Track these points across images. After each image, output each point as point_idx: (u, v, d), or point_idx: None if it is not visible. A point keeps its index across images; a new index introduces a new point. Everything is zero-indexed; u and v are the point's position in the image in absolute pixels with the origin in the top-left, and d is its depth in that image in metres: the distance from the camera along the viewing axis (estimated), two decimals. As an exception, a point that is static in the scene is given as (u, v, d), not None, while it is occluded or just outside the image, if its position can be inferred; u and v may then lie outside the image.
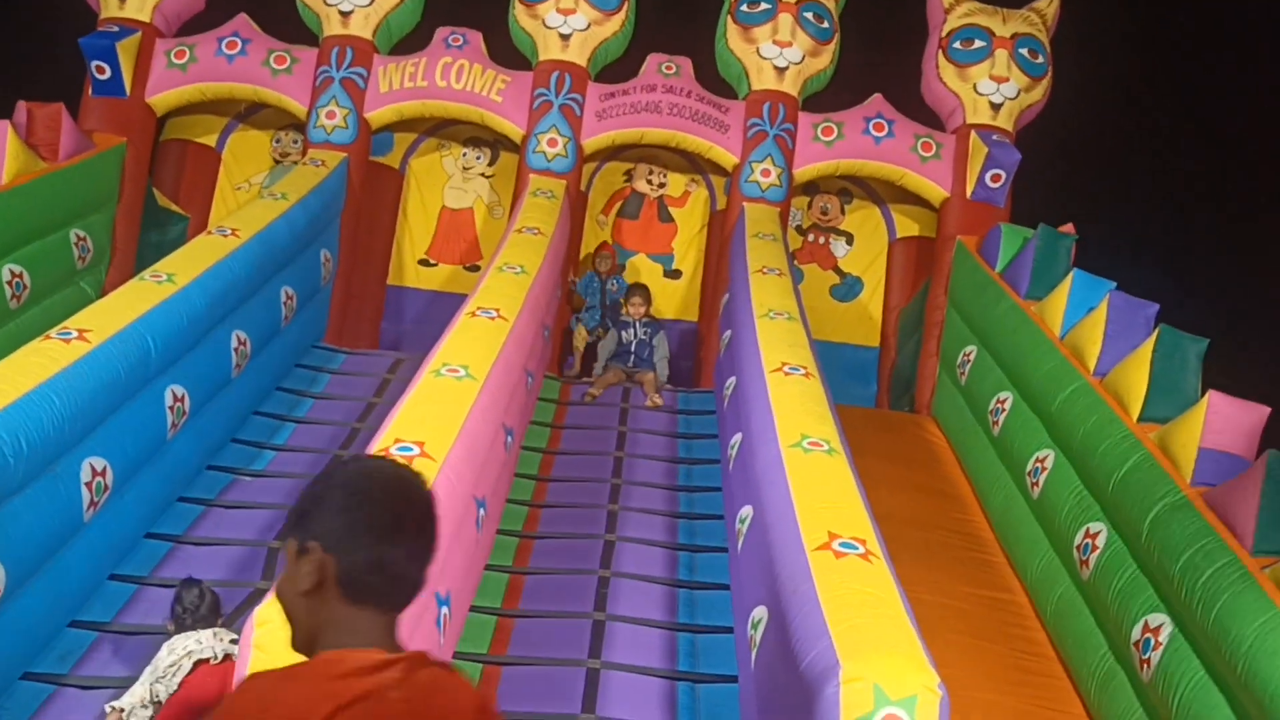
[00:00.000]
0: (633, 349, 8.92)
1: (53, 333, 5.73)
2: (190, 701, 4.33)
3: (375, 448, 4.86)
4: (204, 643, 4.50)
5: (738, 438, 6.42)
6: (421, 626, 4.27)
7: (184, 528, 6.19)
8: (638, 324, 9.00)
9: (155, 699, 4.46)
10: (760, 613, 4.67)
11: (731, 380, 7.23)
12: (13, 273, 7.71)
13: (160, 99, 9.66)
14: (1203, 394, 5.71)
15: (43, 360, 5.38)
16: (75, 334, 5.68)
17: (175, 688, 4.41)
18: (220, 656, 4.47)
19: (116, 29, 9.55)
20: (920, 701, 3.61)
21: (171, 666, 4.46)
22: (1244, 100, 11.63)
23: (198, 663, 4.44)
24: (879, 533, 4.66)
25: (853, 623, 3.87)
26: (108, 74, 9.43)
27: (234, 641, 4.48)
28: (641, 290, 9.26)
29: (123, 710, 4.48)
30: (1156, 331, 6.33)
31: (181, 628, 4.63)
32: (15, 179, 7.97)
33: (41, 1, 10.37)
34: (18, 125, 8.36)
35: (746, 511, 5.55)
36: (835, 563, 4.29)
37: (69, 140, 8.71)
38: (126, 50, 9.46)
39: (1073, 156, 11.34)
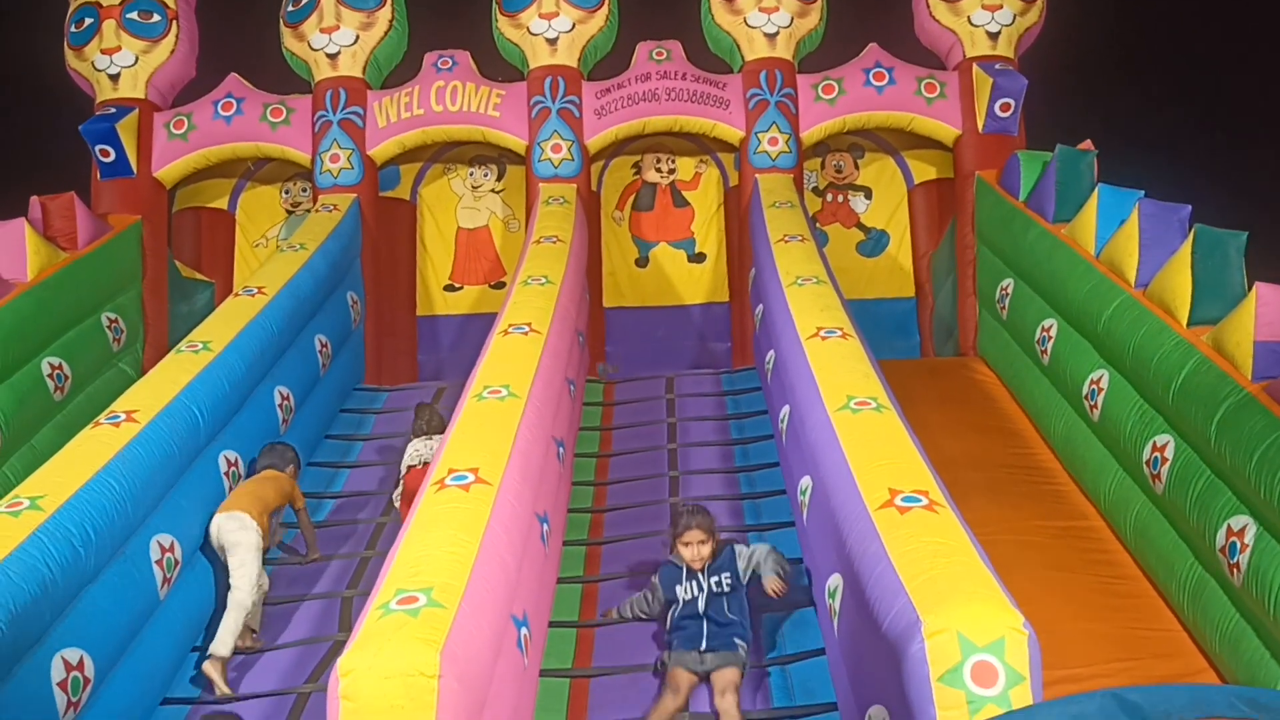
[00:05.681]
0: (702, 610, 5.02)
1: (101, 418, 5.80)
2: (409, 489, 6.27)
3: (432, 478, 4.88)
4: (432, 447, 6.40)
5: (785, 409, 6.38)
6: (504, 651, 4.27)
7: (258, 588, 6.23)
8: (702, 573, 5.12)
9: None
10: (835, 580, 4.63)
11: (771, 354, 7.18)
12: (52, 365, 7.81)
13: (167, 171, 9.76)
14: (1249, 288, 5.60)
15: (96, 447, 5.45)
16: (123, 416, 5.75)
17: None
18: (420, 463, 6.40)
19: (114, 110, 9.65)
20: (1008, 643, 3.57)
21: (406, 466, 6.55)
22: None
23: (409, 467, 6.50)
24: (940, 481, 4.61)
25: (927, 575, 3.83)
26: (112, 156, 9.55)
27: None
28: (699, 517, 5.21)
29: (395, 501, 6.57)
30: (1192, 233, 6.21)
31: (419, 434, 6.73)
32: (40, 273, 8.08)
33: (37, 98, 10.49)
34: (34, 220, 8.46)
35: (806, 482, 5.51)
36: (900, 519, 4.25)
37: (85, 227, 8.81)
38: (127, 129, 9.56)
39: (1083, 69, 11.13)
